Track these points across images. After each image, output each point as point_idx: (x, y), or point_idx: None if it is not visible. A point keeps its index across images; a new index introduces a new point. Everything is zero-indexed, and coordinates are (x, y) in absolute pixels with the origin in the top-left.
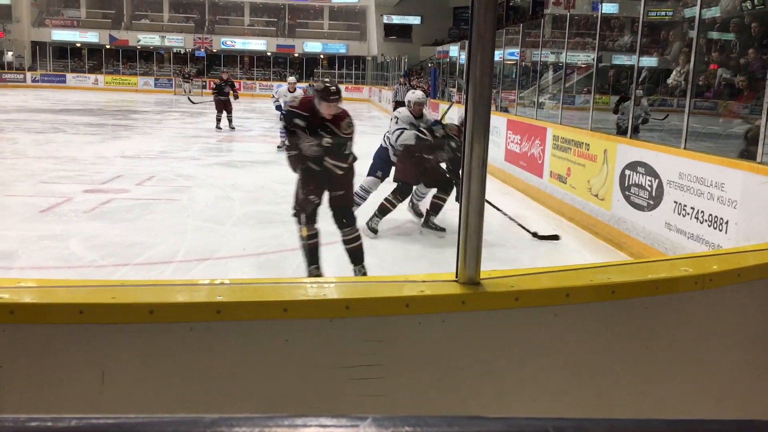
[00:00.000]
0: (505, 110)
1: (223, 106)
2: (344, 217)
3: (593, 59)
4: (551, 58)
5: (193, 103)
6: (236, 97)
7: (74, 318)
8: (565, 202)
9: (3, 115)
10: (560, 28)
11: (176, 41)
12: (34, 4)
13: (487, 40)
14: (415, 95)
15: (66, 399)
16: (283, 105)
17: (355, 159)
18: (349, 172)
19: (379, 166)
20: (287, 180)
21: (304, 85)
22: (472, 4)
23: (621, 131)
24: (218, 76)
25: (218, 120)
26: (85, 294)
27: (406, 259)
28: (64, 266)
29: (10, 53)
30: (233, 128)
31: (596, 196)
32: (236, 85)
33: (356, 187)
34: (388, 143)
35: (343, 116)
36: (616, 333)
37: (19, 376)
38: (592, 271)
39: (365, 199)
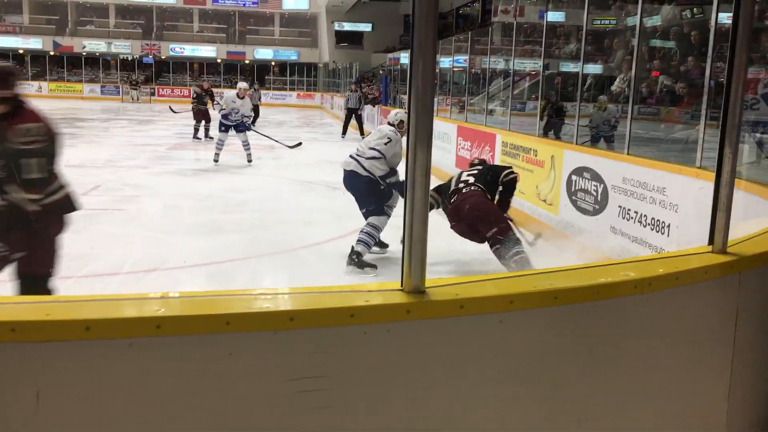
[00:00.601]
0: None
1: (203, 116)
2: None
3: (540, 66)
4: (500, 66)
5: (175, 112)
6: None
7: (6, 336)
8: (513, 207)
9: None
10: (508, 35)
11: (123, 47)
12: None
13: (428, 49)
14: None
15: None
16: (231, 114)
17: (59, 188)
18: (51, 213)
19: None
20: (239, 188)
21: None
22: (413, 14)
23: (594, 139)
24: (198, 85)
25: (196, 130)
26: (18, 311)
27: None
28: (2, 280)
29: None
30: (210, 138)
31: (545, 201)
32: (215, 94)
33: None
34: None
35: (19, 119)
36: (560, 339)
37: None
38: (536, 277)
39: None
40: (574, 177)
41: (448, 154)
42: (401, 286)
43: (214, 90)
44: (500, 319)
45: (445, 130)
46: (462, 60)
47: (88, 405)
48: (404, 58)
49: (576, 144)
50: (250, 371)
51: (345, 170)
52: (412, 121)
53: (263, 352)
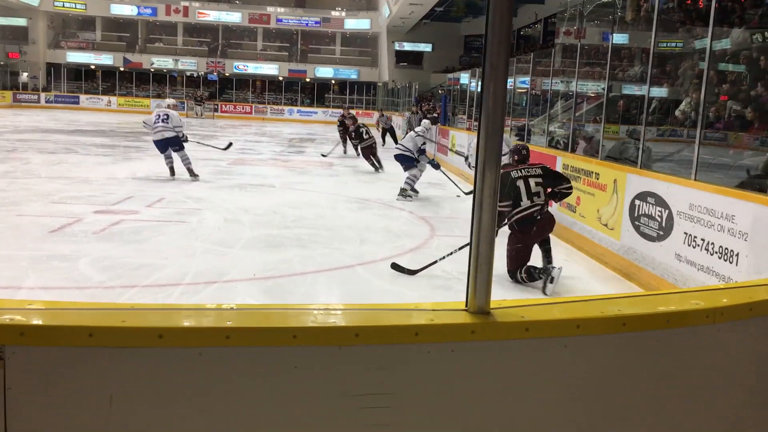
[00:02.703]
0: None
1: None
2: None
3: (603, 89)
4: (561, 87)
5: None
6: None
7: (84, 341)
8: (573, 231)
9: (17, 135)
10: (570, 57)
11: (189, 64)
12: (51, 27)
13: (500, 70)
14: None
15: (73, 422)
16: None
17: None
18: None
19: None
20: (297, 204)
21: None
22: (486, 34)
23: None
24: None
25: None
26: (96, 317)
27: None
28: (72, 287)
29: (26, 74)
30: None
31: (606, 225)
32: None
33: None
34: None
35: None
36: (626, 366)
37: (26, 398)
38: (603, 303)
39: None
40: (637, 201)
41: None
42: (466, 306)
43: (276, 107)
44: (565, 344)
45: (504, 151)
46: (524, 81)
47: (158, 411)
48: (464, 78)
49: (640, 168)
50: (315, 385)
51: (395, 155)
52: (482, 142)
53: (328, 366)
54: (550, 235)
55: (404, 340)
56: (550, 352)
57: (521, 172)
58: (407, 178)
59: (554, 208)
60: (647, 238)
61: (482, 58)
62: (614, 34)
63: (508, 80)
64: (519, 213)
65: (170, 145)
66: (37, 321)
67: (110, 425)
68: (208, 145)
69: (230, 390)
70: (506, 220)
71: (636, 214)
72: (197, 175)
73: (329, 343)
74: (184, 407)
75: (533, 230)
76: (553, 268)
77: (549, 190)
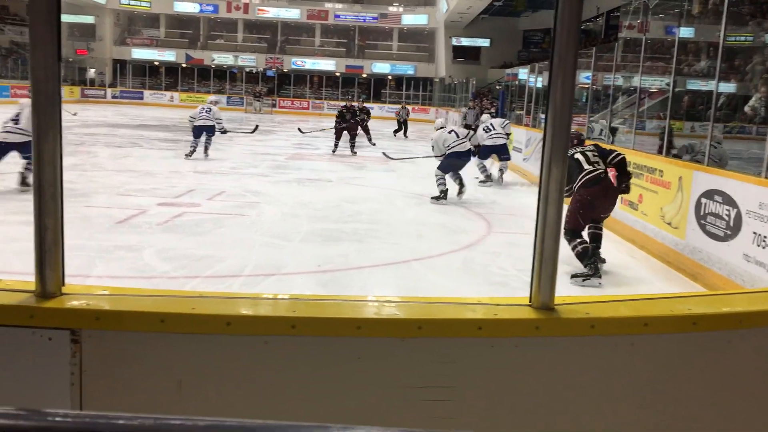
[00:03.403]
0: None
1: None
2: None
3: (667, 84)
4: (623, 83)
5: (303, 133)
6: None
7: (156, 326)
8: (636, 230)
9: (85, 129)
10: (633, 52)
11: (249, 61)
12: (117, 24)
13: (569, 64)
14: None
15: (144, 405)
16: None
17: None
18: None
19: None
20: (354, 199)
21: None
22: (555, 28)
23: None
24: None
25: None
26: (167, 303)
27: (466, 280)
28: (138, 276)
29: (93, 70)
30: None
31: (669, 224)
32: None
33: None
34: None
35: None
36: (695, 366)
37: (100, 380)
38: (672, 301)
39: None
40: (703, 200)
41: None
42: (530, 301)
43: (333, 103)
44: (632, 342)
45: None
46: (585, 77)
47: (225, 396)
48: (522, 73)
49: (706, 165)
50: (377, 376)
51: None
52: (548, 137)
53: (391, 358)
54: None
55: (467, 333)
56: (616, 350)
57: (577, 149)
58: (483, 167)
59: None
60: (714, 237)
61: (550, 52)
62: (680, 28)
63: None
64: (584, 177)
65: (206, 131)
66: (111, 306)
67: (178, 409)
68: (239, 132)
69: (295, 378)
70: (570, 191)
71: (702, 213)
72: (207, 154)
73: (392, 334)
74: (249, 394)
75: (599, 188)
76: (603, 261)
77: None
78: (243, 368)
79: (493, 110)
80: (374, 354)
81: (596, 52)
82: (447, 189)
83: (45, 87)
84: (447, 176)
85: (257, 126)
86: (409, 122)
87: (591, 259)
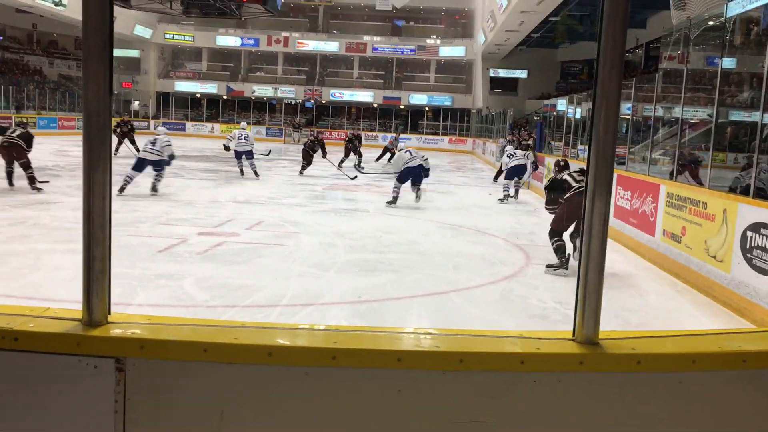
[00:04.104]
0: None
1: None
2: None
3: (709, 115)
4: (664, 113)
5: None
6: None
7: (199, 356)
8: (678, 263)
9: (128, 160)
10: (674, 82)
11: (288, 92)
12: (161, 58)
13: (612, 96)
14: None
15: None
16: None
17: None
18: None
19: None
20: (390, 229)
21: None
22: (597, 60)
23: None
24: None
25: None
26: (210, 333)
27: (505, 312)
28: (177, 305)
29: (137, 102)
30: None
31: (714, 257)
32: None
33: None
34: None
35: None
36: (746, 405)
37: (143, 409)
38: (720, 338)
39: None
40: (749, 233)
41: None
42: (573, 335)
43: (370, 133)
44: (680, 379)
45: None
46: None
47: (266, 427)
48: (561, 104)
49: (752, 197)
50: (418, 410)
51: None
52: (591, 169)
53: (432, 391)
54: None
55: (509, 368)
56: (663, 387)
57: (564, 172)
58: (507, 188)
59: (657, 238)
60: (761, 271)
61: (593, 84)
62: (722, 59)
63: None
64: (572, 192)
65: (246, 156)
66: (155, 335)
67: None
68: (258, 153)
69: (335, 409)
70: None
71: (748, 246)
72: (259, 175)
73: (433, 367)
74: (290, 424)
75: (581, 200)
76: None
77: None
78: (284, 399)
79: (531, 141)
80: (415, 387)
81: (636, 83)
82: (398, 197)
83: (97, 120)
84: (404, 186)
85: (270, 150)
86: (443, 152)
87: (564, 254)
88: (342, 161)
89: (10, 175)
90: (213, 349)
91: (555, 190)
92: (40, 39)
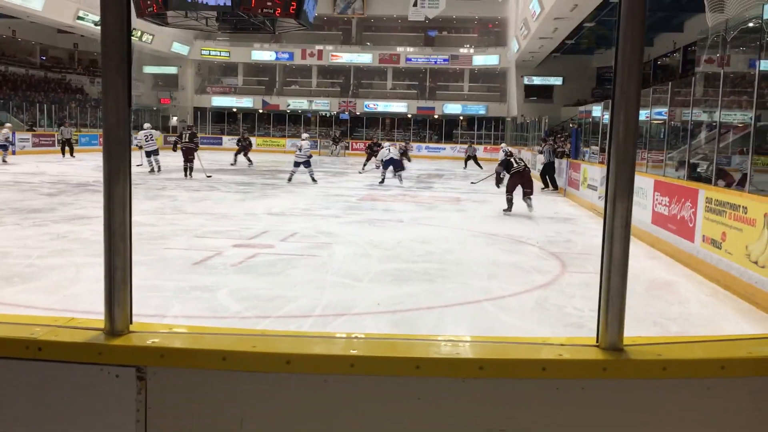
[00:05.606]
0: None
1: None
2: None
3: (750, 118)
4: (703, 118)
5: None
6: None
7: (218, 364)
8: (719, 269)
9: (166, 174)
10: (713, 86)
11: (322, 105)
12: (198, 74)
13: (631, 98)
14: None
15: None
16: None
17: None
18: None
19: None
20: (424, 239)
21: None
22: (616, 62)
23: None
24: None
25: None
26: (229, 342)
27: (540, 321)
28: (212, 316)
29: (175, 118)
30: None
31: (756, 263)
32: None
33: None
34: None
35: None
36: None
37: (164, 417)
38: (751, 343)
39: None
40: None
41: (644, 210)
42: (596, 341)
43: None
44: (708, 386)
45: (640, 185)
46: (662, 112)
47: None
48: (596, 111)
49: None
50: (438, 417)
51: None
52: (612, 172)
53: (451, 399)
54: None
55: (531, 374)
56: (690, 394)
57: (510, 157)
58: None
59: (697, 244)
60: None
61: (612, 86)
62: (761, 60)
63: (645, 111)
64: (515, 170)
65: (304, 164)
66: (175, 344)
67: None
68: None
69: (354, 418)
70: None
71: None
72: (316, 180)
73: (452, 374)
74: None
75: (520, 175)
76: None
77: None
78: (303, 407)
79: (566, 149)
80: (434, 394)
81: (673, 87)
82: (384, 180)
83: (116, 132)
84: (388, 173)
85: (210, 175)
86: (479, 159)
87: (511, 205)
88: (365, 164)
89: (187, 169)
90: (232, 357)
91: (504, 167)
92: (81, 58)
